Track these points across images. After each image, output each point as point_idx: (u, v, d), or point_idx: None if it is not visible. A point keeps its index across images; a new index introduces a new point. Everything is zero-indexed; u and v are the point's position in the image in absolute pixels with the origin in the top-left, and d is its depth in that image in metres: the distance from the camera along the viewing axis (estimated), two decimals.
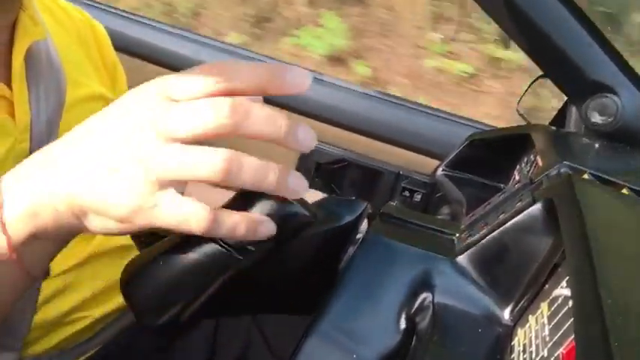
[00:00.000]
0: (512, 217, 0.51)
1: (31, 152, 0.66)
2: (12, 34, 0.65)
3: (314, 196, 0.84)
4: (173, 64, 1.19)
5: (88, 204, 0.41)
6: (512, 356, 0.45)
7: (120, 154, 0.40)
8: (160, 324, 0.46)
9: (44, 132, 0.67)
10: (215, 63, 0.41)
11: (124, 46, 1.17)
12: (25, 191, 0.43)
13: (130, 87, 0.88)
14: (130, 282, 0.45)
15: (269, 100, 1.14)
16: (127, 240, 0.85)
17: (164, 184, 0.40)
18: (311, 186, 0.82)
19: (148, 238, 0.68)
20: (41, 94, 0.67)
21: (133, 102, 0.42)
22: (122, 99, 0.44)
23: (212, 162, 0.39)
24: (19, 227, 0.42)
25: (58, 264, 0.72)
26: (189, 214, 0.40)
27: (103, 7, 1.25)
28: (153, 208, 0.40)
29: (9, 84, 0.65)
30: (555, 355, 0.39)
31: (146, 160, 0.39)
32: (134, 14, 1.27)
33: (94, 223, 0.43)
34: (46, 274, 0.47)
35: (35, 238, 0.43)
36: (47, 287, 0.70)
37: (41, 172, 0.43)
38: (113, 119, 0.43)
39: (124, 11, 1.27)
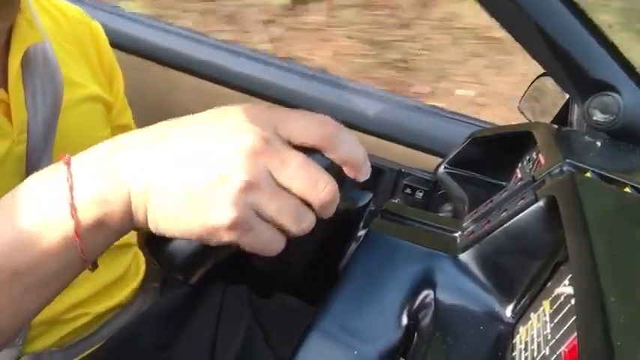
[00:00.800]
0: (515, 214, 0.51)
1: (28, 154, 0.66)
2: (9, 37, 0.65)
3: None
4: (172, 63, 1.19)
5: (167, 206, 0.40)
6: (514, 354, 0.45)
7: (222, 168, 0.38)
8: (186, 280, 0.46)
9: (41, 134, 0.67)
10: (331, 123, 0.41)
11: (122, 45, 1.17)
12: (99, 175, 0.40)
13: (128, 85, 0.88)
14: (156, 238, 0.43)
15: (267, 95, 1.15)
16: (127, 238, 0.85)
17: (251, 214, 0.39)
18: None
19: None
20: (38, 96, 0.67)
21: (244, 120, 0.40)
22: (231, 111, 0.42)
23: (298, 220, 0.41)
24: (88, 212, 0.40)
25: None
26: (268, 242, 0.41)
27: (101, 5, 1.25)
28: (231, 231, 0.39)
29: (5, 87, 0.65)
30: (557, 353, 0.39)
31: (252, 190, 0.39)
32: (132, 13, 1.27)
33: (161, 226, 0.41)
34: (95, 265, 0.45)
35: (102, 225, 0.41)
36: None
37: (119, 157, 0.41)
38: (220, 127, 0.41)
39: (121, 9, 1.27)
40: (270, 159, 0.39)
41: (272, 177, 0.39)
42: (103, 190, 0.40)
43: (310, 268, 0.50)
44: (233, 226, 0.39)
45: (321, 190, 0.40)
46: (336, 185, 0.41)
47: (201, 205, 0.39)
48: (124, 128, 0.87)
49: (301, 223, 0.41)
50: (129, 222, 0.42)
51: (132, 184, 0.40)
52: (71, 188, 0.40)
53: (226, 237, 0.39)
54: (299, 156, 0.40)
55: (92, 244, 0.42)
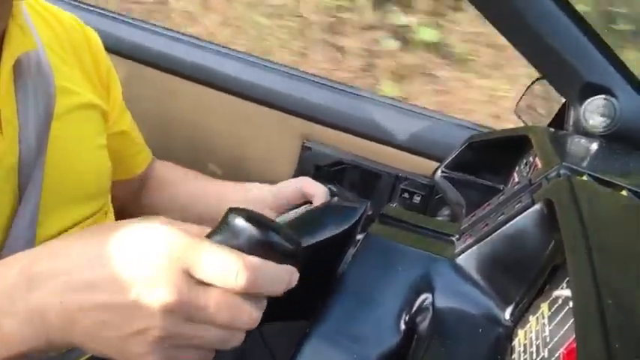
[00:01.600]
0: (512, 218, 0.51)
1: (20, 165, 0.65)
2: (1, 45, 0.64)
3: (320, 190, 0.84)
4: (170, 68, 1.19)
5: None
6: (513, 357, 0.45)
7: (139, 323, 0.40)
8: None
9: (33, 144, 0.65)
10: (238, 261, 0.41)
11: (120, 50, 1.17)
12: (15, 318, 0.42)
13: (125, 91, 0.88)
14: None
15: (265, 101, 1.15)
16: None
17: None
18: None
19: None
20: (30, 106, 0.66)
21: (158, 265, 0.40)
22: (144, 246, 0.41)
23: (225, 343, 0.43)
24: (8, 349, 0.42)
25: None
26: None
27: (97, 10, 1.25)
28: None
29: None
30: (556, 355, 0.39)
31: (169, 339, 0.41)
32: (128, 17, 1.27)
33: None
34: None
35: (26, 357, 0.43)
36: None
37: (36, 297, 0.42)
38: (135, 271, 0.41)
39: (118, 14, 1.27)
40: (187, 308, 0.40)
41: (192, 323, 0.41)
42: (21, 335, 0.42)
43: (305, 284, 0.51)
44: None
45: (245, 322, 0.42)
46: (260, 312, 0.42)
47: (124, 347, 0.41)
48: (122, 135, 0.87)
49: (230, 344, 0.43)
50: (54, 349, 0.44)
51: (51, 329, 0.42)
52: None
53: None
54: (214, 296, 0.41)
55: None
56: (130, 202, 0.96)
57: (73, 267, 0.42)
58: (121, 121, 0.87)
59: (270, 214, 0.87)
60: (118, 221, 0.46)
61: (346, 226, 0.54)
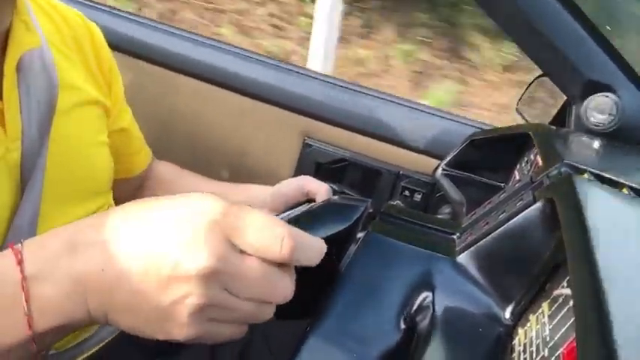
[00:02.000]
0: (513, 216, 0.51)
1: (22, 161, 0.65)
2: (5, 41, 0.64)
3: (322, 189, 0.83)
4: (172, 65, 1.19)
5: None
6: (513, 356, 0.45)
7: (178, 290, 0.39)
8: None
9: (36, 141, 0.66)
10: (283, 229, 0.40)
11: (122, 46, 1.17)
12: (56, 285, 0.41)
13: (128, 87, 0.87)
14: None
15: (267, 98, 1.15)
16: None
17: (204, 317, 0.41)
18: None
19: None
20: (33, 102, 0.66)
21: (200, 231, 0.40)
22: (188, 216, 0.40)
23: (258, 318, 0.43)
24: (46, 323, 0.41)
25: None
26: (230, 336, 0.43)
27: (100, 6, 1.25)
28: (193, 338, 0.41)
29: (0, 93, 0.64)
30: (556, 354, 0.39)
31: (208, 309, 0.40)
32: (129, 13, 1.27)
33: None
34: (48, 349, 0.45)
35: (60, 329, 0.42)
36: None
37: (76, 263, 0.41)
38: (176, 236, 0.40)
39: (120, 10, 1.27)
40: (226, 276, 0.39)
41: (229, 293, 0.40)
42: (61, 303, 0.41)
43: (305, 284, 0.51)
44: (193, 338, 0.41)
45: (279, 295, 0.42)
46: (293, 285, 0.42)
47: (161, 320, 0.40)
48: (122, 132, 0.87)
49: (261, 319, 0.43)
50: (88, 322, 0.43)
51: (90, 296, 0.41)
52: (27, 299, 0.40)
53: (189, 339, 0.41)
54: (254, 266, 0.40)
55: (49, 340, 0.43)
56: (127, 201, 0.96)
57: (116, 237, 0.41)
58: (121, 119, 0.87)
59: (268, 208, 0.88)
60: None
61: (347, 224, 0.54)
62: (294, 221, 0.52)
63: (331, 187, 0.85)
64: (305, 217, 0.53)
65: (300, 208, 0.85)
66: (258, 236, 0.39)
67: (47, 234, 0.44)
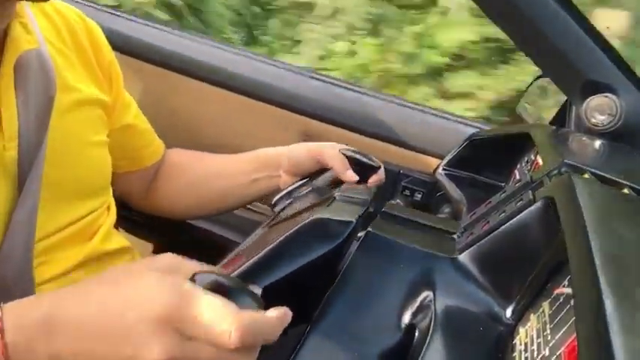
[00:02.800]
0: (513, 215, 0.51)
1: (19, 160, 0.65)
2: (3, 41, 0.65)
3: (336, 161, 0.82)
4: (172, 65, 1.19)
5: None
6: (514, 355, 0.45)
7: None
8: None
9: (33, 140, 0.66)
10: (231, 320, 0.41)
11: (121, 47, 1.17)
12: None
13: (126, 86, 0.87)
14: None
15: (267, 98, 1.15)
16: (121, 243, 0.84)
17: None
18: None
19: None
20: (30, 102, 0.66)
21: (148, 320, 0.42)
22: (137, 302, 0.43)
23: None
24: None
25: (54, 268, 0.72)
26: None
27: (98, 6, 1.25)
28: None
29: None
30: (557, 353, 0.39)
31: None
32: (126, 13, 1.27)
33: None
34: None
35: None
36: (43, 290, 0.70)
37: (54, 343, 0.43)
38: (126, 320, 0.42)
39: (118, 10, 1.27)
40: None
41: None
42: None
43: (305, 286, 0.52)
44: None
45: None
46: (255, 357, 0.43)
47: None
48: (128, 128, 0.87)
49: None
50: None
51: None
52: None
53: None
54: (207, 350, 0.42)
55: None
56: (144, 193, 0.96)
57: (87, 316, 0.43)
58: (125, 115, 0.87)
59: (285, 179, 0.86)
60: (136, 263, 0.50)
61: (335, 244, 0.54)
62: (269, 256, 0.53)
63: (346, 154, 0.82)
64: (284, 245, 0.54)
65: (325, 176, 0.84)
66: (206, 329, 0.41)
67: (28, 301, 0.46)
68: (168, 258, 0.47)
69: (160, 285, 0.43)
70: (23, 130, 0.65)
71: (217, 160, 0.95)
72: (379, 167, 0.84)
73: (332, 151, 0.83)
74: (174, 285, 0.43)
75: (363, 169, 0.83)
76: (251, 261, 0.53)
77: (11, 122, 0.65)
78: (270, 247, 0.54)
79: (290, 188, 0.83)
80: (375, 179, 0.84)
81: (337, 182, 0.82)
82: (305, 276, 0.52)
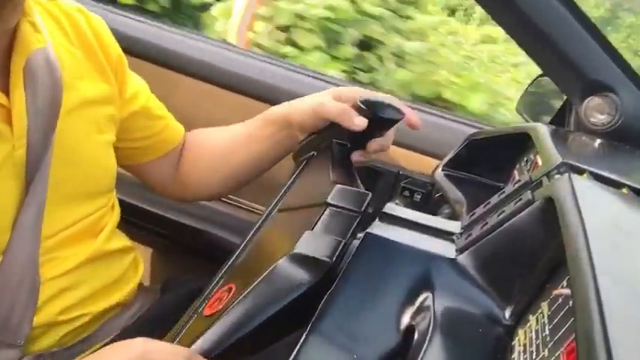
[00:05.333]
0: (512, 216, 0.51)
1: (27, 159, 0.66)
2: (11, 40, 0.65)
3: (343, 116, 0.78)
4: (172, 64, 1.19)
5: None
6: (513, 356, 0.45)
7: None
8: None
9: (41, 139, 0.67)
10: None
11: (122, 46, 1.17)
12: None
13: None
14: None
15: (267, 98, 1.15)
16: (124, 242, 0.85)
17: None
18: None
19: None
20: (39, 101, 0.67)
21: None
22: None
23: None
24: None
25: (58, 266, 0.72)
26: None
27: (100, 6, 1.25)
28: None
29: (6, 91, 0.65)
30: (556, 355, 0.38)
31: None
32: (125, 12, 1.27)
33: None
34: None
35: None
36: (48, 288, 0.71)
37: None
38: None
39: (123, 10, 1.27)
40: None
41: None
42: None
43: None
44: None
45: None
46: None
47: None
48: (135, 115, 0.86)
49: None
50: None
51: None
52: None
53: None
54: None
55: None
56: (172, 180, 0.95)
57: None
58: (131, 104, 0.86)
59: (301, 135, 0.85)
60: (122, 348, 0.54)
61: (312, 282, 0.53)
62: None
63: (359, 105, 0.77)
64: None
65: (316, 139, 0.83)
66: None
67: None
68: (140, 347, 0.52)
69: None
70: (32, 129, 0.66)
71: (234, 132, 0.93)
72: (402, 118, 0.80)
73: (334, 110, 0.79)
74: None
75: (384, 122, 0.80)
76: (221, 323, 0.53)
77: (20, 121, 0.66)
78: (238, 304, 0.54)
79: (304, 142, 0.83)
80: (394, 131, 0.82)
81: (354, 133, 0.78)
82: (284, 313, 0.53)
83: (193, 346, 0.52)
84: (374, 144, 0.81)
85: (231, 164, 0.91)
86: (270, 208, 0.73)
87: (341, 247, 0.55)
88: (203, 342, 0.52)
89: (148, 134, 0.89)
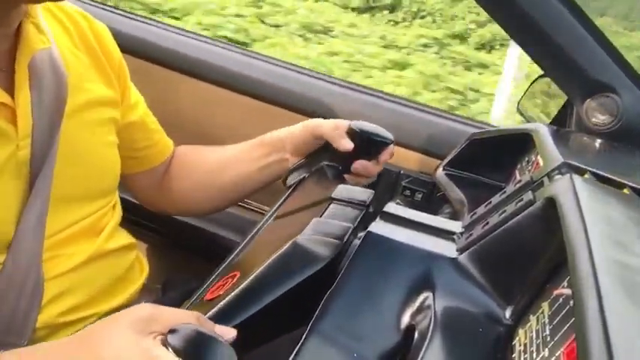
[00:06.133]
0: (513, 216, 0.51)
1: (31, 159, 0.66)
2: (16, 41, 0.66)
3: (334, 135, 0.82)
4: (174, 65, 1.19)
5: None
6: (513, 356, 0.45)
7: None
8: None
9: (45, 139, 0.67)
10: None
11: (123, 46, 1.17)
12: None
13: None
14: None
15: (268, 98, 1.15)
16: (125, 240, 0.85)
17: None
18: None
19: None
20: (43, 101, 0.67)
21: None
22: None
23: None
24: None
25: (61, 266, 0.73)
26: None
27: (101, 6, 1.25)
28: None
29: (11, 92, 0.65)
30: (556, 354, 0.39)
31: None
32: (129, 13, 1.27)
33: None
34: None
35: None
36: (50, 289, 0.71)
37: None
38: None
39: (124, 11, 1.27)
40: None
41: None
42: None
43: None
44: None
45: None
46: None
47: None
48: (132, 125, 0.86)
49: None
50: None
51: None
52: None
53: None
54: None
55: None
56: (156, 192, 0.96)
57: None
58: (131, 113, 0.86)
59: (293, 160, 0.87)
60: (116, 317, 0.53)
61: (313, 271, 0.53)
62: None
63: (354, 130, 0.82)
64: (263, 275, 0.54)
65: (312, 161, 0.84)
66: None
67: (25, 352, 0.55)
68: (148, 309, 0.51)
69: (132, 349, 0.48)
70: (36, 129, 0.67)
71: (224, 152, 0.95)
72: (391, 143, 0.84)
73: (327, 125, 0.84)
74: (145, 350, 0.47)
75: (374, 144, 0.83)
76: (229, 298, 0.54)
77: (25, 121, 0.66)
78: (248, 281, 0.54)
79: (295, 165, 0.84)
80: (386, 155, 0.85)
81: (345, 156, 0.83)
82: (293, 296, 0.53)
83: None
84: (358, 164, 0.84)
85: (218, 183, 0.92)
86: (266, 217, 0.73)
87: (350, 231, 0.55)
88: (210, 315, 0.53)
89: (142, 146, 0.90)
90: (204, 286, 0.61)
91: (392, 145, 0.84)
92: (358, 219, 0.59)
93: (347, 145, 0.82)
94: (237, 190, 0.93)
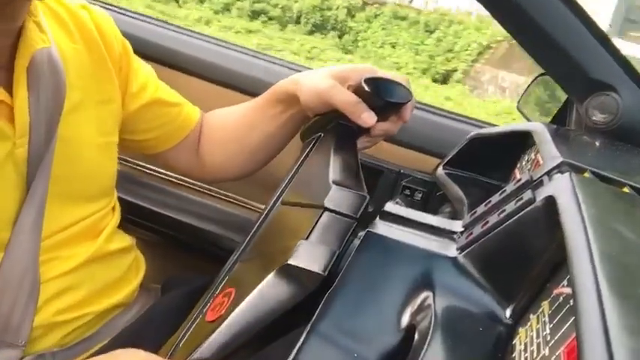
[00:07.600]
0: (513, 215, 0.51)
1: (29, 158, 0.66)
2: (17, 39, 0.66)
3: (349, 108, 0.75)
4: (176, 65, 1.19)
5: None
6: (514, 355, 0.45)
7: None
8: None
9: (43, 137, 0.67)
10: None
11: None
12: None
13: None
14: None
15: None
16: (124, 242, 0.85)
17: None
18: None
19: None
20: (41, 100, 0.67)
21: None
22: None
23: None
24: None
25: (59, 266, 0.72)
26: None
27: (108, 7, 1.25)
28: None
29: (10, 89, 0.65)
30: (557, 354, 0.38)
31: None
32: (130, 11, 1.27)
33: None
34: None
35: None
36: (48, 288, 0.71)
37: None
38: None
39: (129, 11, 1.27)
40: None
41: None
42: None
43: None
44: None
45: None
46: None
47: None
48: (147, 107, 0.86)
49: None
50: None
51: None
52: None
53: None
54: None
55: None
56: (194, 162, 0.95)
57: None
58: (137, 99, 0.85)
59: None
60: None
61: (303, 295, 0.52)
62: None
63: (367, 84, 0.73)
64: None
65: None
66: None
67: None
68: (142, 356, 0.52)
69: None
70: (34, 128, 0.67)
71: (245, 113, 0.93)
72: (409, 101, 0.77)
73: (342, 100, 0.76)
74: None
75: (392, 106, 0.77)
76: (217, 333, 0.52)
77: (23, 119, 0.66)
78: (233, 316, 0.53)
79: (309, 123, 0.82)
80: (408, 113, 0.79)
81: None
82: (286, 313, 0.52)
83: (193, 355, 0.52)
84: (377, 129, 0.78)
85: (246, 145, 0.91)
86: (275, 198, 0.72)
87: (334, 257, 0.54)
88: (200, 352, 0.52)
89: (162, 122, 0.89)
90: (204, 301, 0.60)
91: (412, 101, 0.77)
92: (345, 239, 0.57)
93: (368, 120, 0.75)
94: (266, 149, 0.92)
